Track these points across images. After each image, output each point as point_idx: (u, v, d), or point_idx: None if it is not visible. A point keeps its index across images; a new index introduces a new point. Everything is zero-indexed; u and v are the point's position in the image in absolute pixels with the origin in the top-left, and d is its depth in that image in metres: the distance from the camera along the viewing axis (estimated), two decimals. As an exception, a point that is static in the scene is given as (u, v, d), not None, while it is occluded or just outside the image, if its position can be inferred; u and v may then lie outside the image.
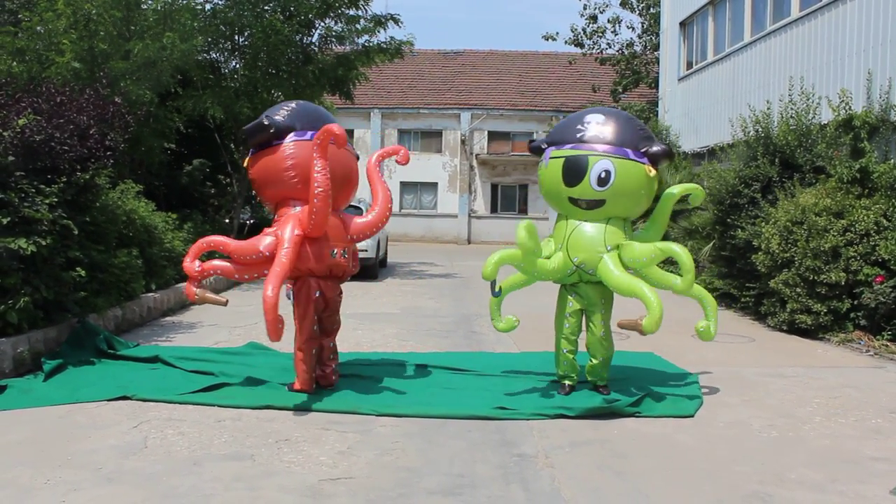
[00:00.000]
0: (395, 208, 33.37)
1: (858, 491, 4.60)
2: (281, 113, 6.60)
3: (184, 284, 11.71)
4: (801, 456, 5.25)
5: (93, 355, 7.59)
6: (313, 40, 17.29)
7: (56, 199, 7.48)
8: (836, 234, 9.63)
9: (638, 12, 28.41)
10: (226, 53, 16.87)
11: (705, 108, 18.83)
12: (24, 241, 6.95)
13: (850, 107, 11.12)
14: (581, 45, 29.25)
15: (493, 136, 34.25)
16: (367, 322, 10.36)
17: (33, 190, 7.32)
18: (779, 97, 13.09)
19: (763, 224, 10.73)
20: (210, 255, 7.94)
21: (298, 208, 6.39)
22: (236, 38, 16.25)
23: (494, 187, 34.28)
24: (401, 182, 33.87)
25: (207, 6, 15.74)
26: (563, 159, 6.46)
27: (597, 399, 6.40)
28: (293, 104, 6.84)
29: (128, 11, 12.80)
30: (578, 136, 6.48)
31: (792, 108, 11.97)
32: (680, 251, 6.19)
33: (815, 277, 9.66)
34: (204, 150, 17.88)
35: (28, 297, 7.06)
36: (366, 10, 17.23)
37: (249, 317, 10.39)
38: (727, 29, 17.94)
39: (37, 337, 7.33)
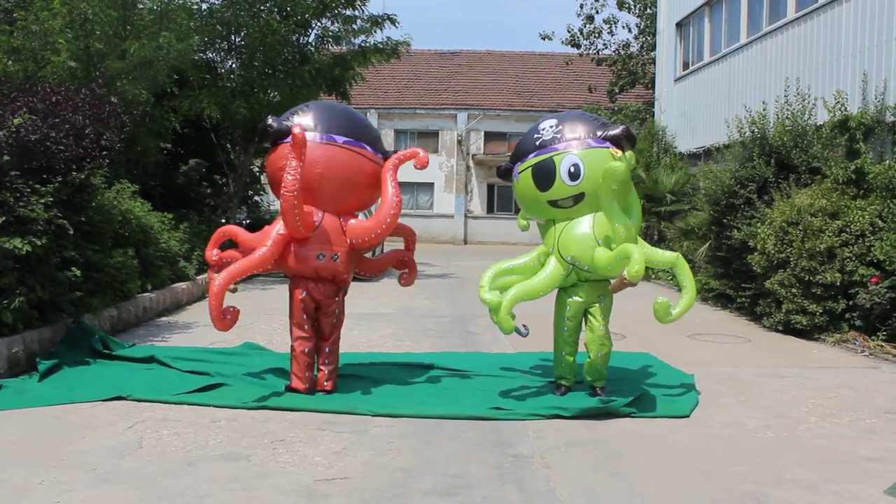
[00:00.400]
0: (392, 208, 33.36)
1: (853, 491, 4.61)
2: (295, 113, 6.64)
3: (179, 284, 11.79)
4: (796, 456, 5.26)
5: (88, 355, 7.58)
6: (310, 40, 17.27)
7: (51, 199, 7.46)
8: (831, 234, 9.64)
9: (634, 13, 28.45)
10: (222, 53, 16.84)
11: (701, 109, 18.86)
12: (20, 240, 6.93)
13: (845, 108, 11.14)
14: (578, 46, 29.29)
15: (490, 136, 34.27)
16: (364, 322, 10.35)
17: (28, 189, 7.30)
18: (775, 98, 13.12)
19: (759, 225, 10.74)
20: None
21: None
22: (233, 37, 16.21)
23: (491, 188, 34.29)
24: (398, 182, 33.84)
25: (204, 6, 15.71)
26: (530, 168, 6.54)
27: (592, 399, 6.41)
28: (310, 105, 6.82)
29: (124, 11, 12.76)
30: (537, 143, 6.58)
31: (788, 109, 12.00)
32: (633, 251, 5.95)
33: (811, 278, 9.68)
34: (200, 150, 17.85)
35: (23, 296, 7.04)
36: (362, 11, 17.22)
37: (244, 317, 10.31)
38: (723, 30, 17.97)
39: (32, 337, 7.32)
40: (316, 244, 6.34)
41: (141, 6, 13.57)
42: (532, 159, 6.55)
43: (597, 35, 28.96)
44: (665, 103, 21.55)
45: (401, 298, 12.98)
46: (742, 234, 11.11)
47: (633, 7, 28.25)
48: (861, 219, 9.61)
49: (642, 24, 28.36)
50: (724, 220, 11.81)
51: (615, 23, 28.82)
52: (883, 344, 9.05)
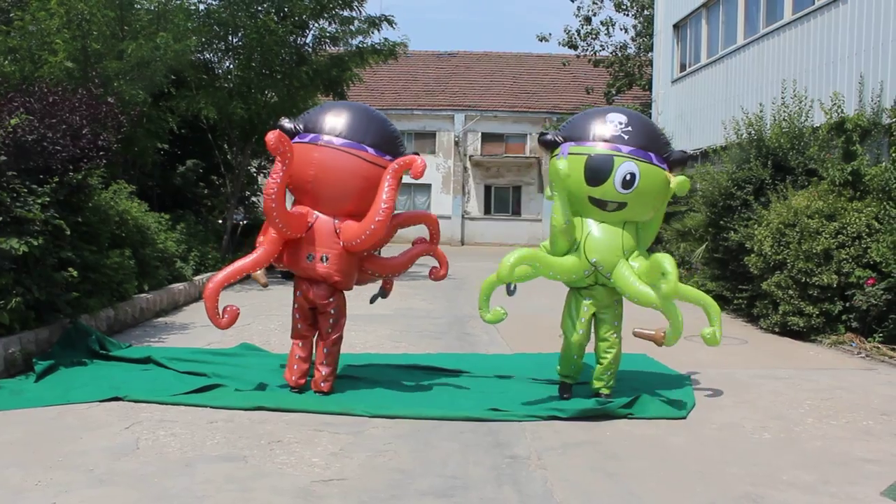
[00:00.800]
0: (389, 209, 33.38)
1: (849, 492, 4.62)
2: (308, 114, 6.71)
3: (176, 285, 11.77)
4: (792, 457, 5.26)
5: (85, 356, 7.56)
6: (307, 41, 17.29)
7: (48, 199, 7.45)
8: (828, 236, 9.66)
9: (632, 14, 28.50)
10: (219, 54, 16.86)
11: (698, 111, 18.89)
12: (16, 241, 6.92)
13: (842, 110, 11.16)
14: (575, 47, 29.34)
15: (487, 137, 34.32)
16: (361, 323, 10.34)
17: (25, 190, 7.29)
18: (771, 100, 13.14)
19: (756, 226, 10.76)
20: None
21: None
22: (230, 38, 16.22)
23: (488, 189, 34.33)
24: (395, 183, 33.88)
25: (201, 6, 15.72)
26: (585, 157, 6.21)
27: (589, 401, 6.40)
28: (325, 105, 6.84)
29: (121, 11, 12.76)
30: (600, 134, 6.30)
31: (784, 111, 12.02)
32: (667, 264, 5.98)
33: (808, 280, 9.70)
34: (197, 151, 17.85)
35: (20, 297, 7.03)
36: (360, 12, 17.25)
37: (241, 318, 10.29)
38: (720, 31, 18.01)
39: (28, 338, 7.31)
40: (306, 245, 6.36)
41: (138, 7, 13.58)
42: (589, 147, 6.25)
43: (594, 36, 29.02)
44: (662, 105, 21.58)
45: (398, 300, 12.96)
46: (739, 235, 11.12)
47: (630, 9, 28.30)
48: (857, 221, 9.63)
49: (639, 25, 28.41)
50: (721, 222, 11.83)
51: (612, 24, 28.88)
52: (879, 346, 9.07)
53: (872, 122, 10.89)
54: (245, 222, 19.43)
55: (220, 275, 6.37)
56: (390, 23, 17.53)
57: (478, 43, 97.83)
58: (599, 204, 6.27)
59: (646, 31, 27.67)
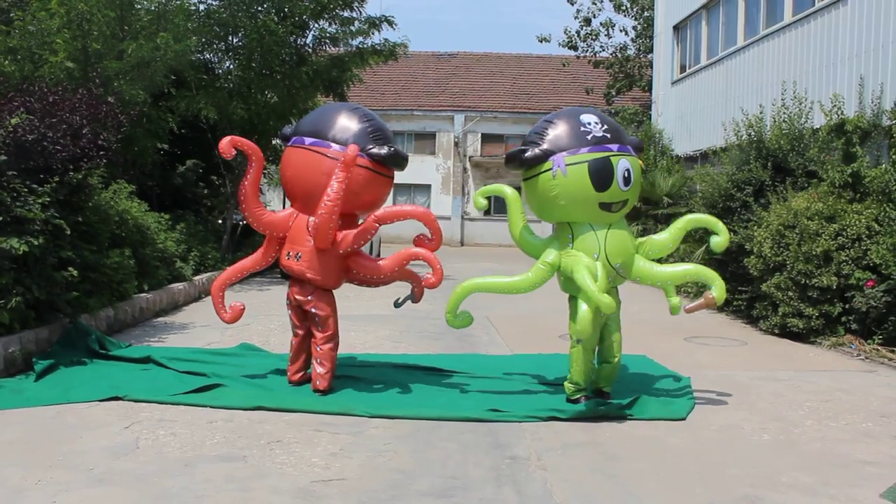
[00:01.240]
0: (389, 210, 33.41)
1: (849, 494, 4.62)
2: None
3: (176, 285, 11.76)
4: (792, 459, 5.26)
5: (84, 355, 7.56)
6: (307, 41, 17.29)
7: (48, 199, 7.45)
8: (827, 238, 9.66)
9: (632, 16, 28.50)
10: (219, 54, 16.85)
11: (698, 112, 18.90)
12: (16, 240, 6.92)
13: (842, 111, 11.17)
14: (575, 48, 29.35)
15: (487, 138, 34.32)
16: (360, 323, 10.34)
17: (25, 189, 7.29)
18: (771, 101, 13.16)
19: (755, 228, 10.77)
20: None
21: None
22: (230, 38, 16.22)
23: (488, 190, 34.29)
24: (394, 184, 33.87)
25: (201, 7, 15.72)
26: (585, 164, 6.11)
27: (589, 402, 6.40)
28: (320, 107, 7.14)
29: (121, 11, 12.76)
30: (588, 138, 6.23)
31: (784, 113, 12.03)
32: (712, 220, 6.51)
33: (807, 281, 9.70)
34: (197, 151, 17.84)
35: (20, 296, 7.03)
36: (360, 12, 17.25)
37: (241, 318, 10.33)
38: (721, 33, 18.02)
39: (28, 337, 7.30)
40: (288, 244, 6.65)
41: (139, 7, 13.58)
42: (586, 154, 6.14)
43: (594, 38, 29.02)
44: (662, 106, 21.59)
45: (397, 300, 12.97)
46: (739, 237, 11.13)
47: (629, 10, 28.31)
48: (857, 222, 9.63)
49: (639, 26, 28.42)
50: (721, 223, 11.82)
51: (612, 26, 28.87)
52: (879, 348, 9.07)
53: (872, 123, 10.90)
54: (244, 223, 19.42)
55: (227, 272, 7.00)
56: (390, 23, 17.53)
57: (478, 44, 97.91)
58: (607, 207, 6.25)
59: (646, 32, 27.68)
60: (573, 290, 6.24)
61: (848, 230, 9.66)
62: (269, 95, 16.17)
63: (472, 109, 34.07)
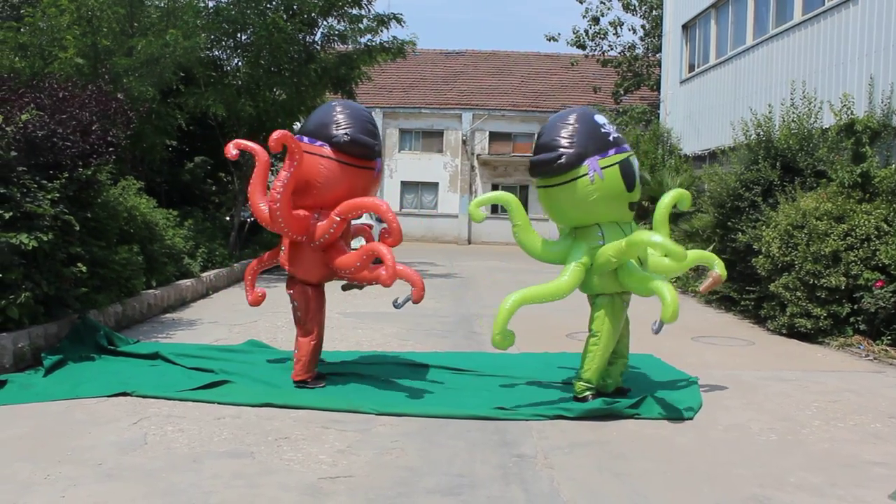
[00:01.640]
0: (396, 208, 33.48)
1: (857, 495, 4.61)
2: None
3: (184, 281, 11.80)
4: (800, 459, 5.25)
5: (93, 351, 7.60)
6: (316, 39, 17.30)
7: (58, 195, 7.49)
8: (836, 238, 9.63)
9: (640, 15, 28.43)
10: (228, 51, 16.87)
11: (707, 111, 18.84)
12: (26, 236, 6.95)
13: (851, 111, 11.13)
14: (583, 47, 29.28)
15: (495, 136, 34.29)
16: (368, 321, 10.36)
17: (35, 185, 7.33)
18: (780, 101, 13.10)
19: (764, 227, 10.73)
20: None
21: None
22: (239, 35, 16.24)
23: (495, 188, 34.28)
24: (401, 182, 33.97)
25: (210, 4, 15.75)
26: (617, 166, 6.15)
27: (596, 401, 6.39)
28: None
29: (131, 8, 12.81)
30: (610, 139, 6.25)
31: (794, 112, 11.99)
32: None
33: (816, 281, 9.67)
34: (205, 148, 17.89)
35: (29, 292, 7.06)
36: (369, 10, 17.26)
37: (248, 314, 10.40)
38: (730, 32, 17.96)
39: (37, 332, 7.34)
40: (284, 238, 6.85)
41: (148, 3, 13.63)
42: (615, 156, 6.18)
43: (602, 36, 28.95)
44: (670, 105, 21.54)
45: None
46: (747, 236, 11.10)
47: (638, 9, 28.23)
48: (866, 223, 9.60)
49: (648, 25, 28.34)
50: (729, 223, 11.81)
51: (621, 25, 28.81)
52: (887, 348, 9.04)
53: (882, 123, 10.85)
54: (252, 220, 19.46)
55: (256, 260, 7.43)
56: (399, 21, 17.52)
57: (486, 42, 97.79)
58: (632, 206, 6.42)
59: (654, 31, 27.61)
60: (597, 290, 6.37)
61: (857, 230, 9.62)
62: (277, 93, 16.18)
63: (480, 107, 34.04)
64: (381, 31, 17.40)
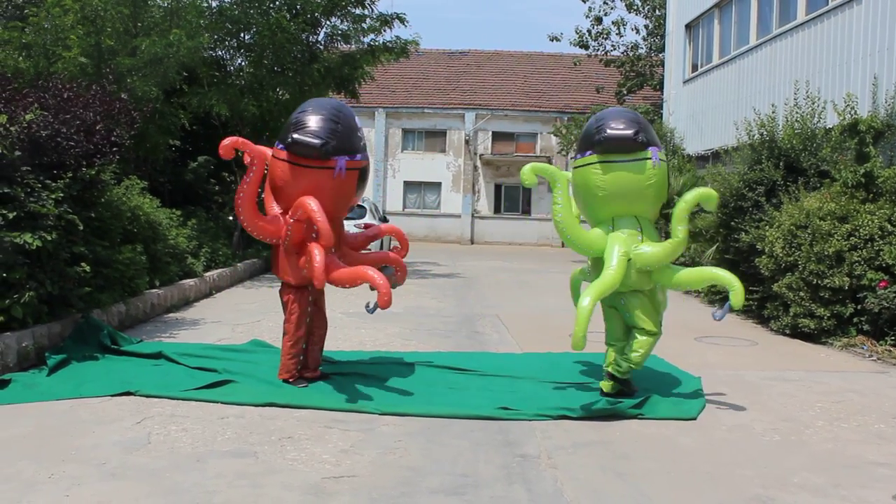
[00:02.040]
0: (399, 207, 33.50)
1: (861, 496, 4.60)
2: None
3: (187, 281, 11.81)
4: (803, 460, 5.25)
5: (96, 351, 7.60)
6: (319, 39, 17.32)
7: (62, 195, 7.50)
8: (840, 238, 9.62)
9: (643, 14, 28.42)
10: (231, 51, 16.90)
11: (710, 111, 18.83)
12: (30, 235, 6.97)
13: (855, 111, 11.11)
14: (586, 47, 29.27)
15: (498, 136, 34.28)
16: (370, 321, 10.36)
17: (39, 185, 7.34)
18: (784, 101, 13.09)
19: (767, 228, 10.72)
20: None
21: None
22: (242, 35, 16.27)
23: (498, 188, 34.29)
24: (404, 181, 33.98)
25: (214, 3, 15.77)
26: (664, 162, 6.57)
27: (599, 400, 6.40)
28: None
29: (135, 8, 12.83)
30: (656, 138, 6.67)
31: (797, 112, 11.97)
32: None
33: (819, 282, 9.66)
34: (209, 148, 17.86)
35: (33, 291, 7.07)
36: (372, 10, 17.28)
37: (252, 314, 10.40)
38: (733, 32, 17.95)
39: (41, 332, 7.35)
40: None
41: (152, 3, 13.63)
42: (661, 153, 6.57)
43: (605, 36, 28.94)
44: (673, 105, 21.52)
45: (407, 297, 12.99)
46: (750, 236, 11.09)
47: (641, 9, 28.22)
48: (870, 223, 9.58)
49: (651, 25, 28.33)
50: (733, 223, 11.80)
51: (624, 24, 28.80)
52: (891, 349, 9.03)
53: (886, 123, 10.84)
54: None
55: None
56: (402, 21, 17.53)
57: (489, 42, 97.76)
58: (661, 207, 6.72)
59: (657, 31, 27.59)
60: (633, 286, 6.45)
61: (860, 230, 9.61)
62: (280, 92, 16.20)
63: (483, 107, 34.03)
64: (385, 30, 17.43)
